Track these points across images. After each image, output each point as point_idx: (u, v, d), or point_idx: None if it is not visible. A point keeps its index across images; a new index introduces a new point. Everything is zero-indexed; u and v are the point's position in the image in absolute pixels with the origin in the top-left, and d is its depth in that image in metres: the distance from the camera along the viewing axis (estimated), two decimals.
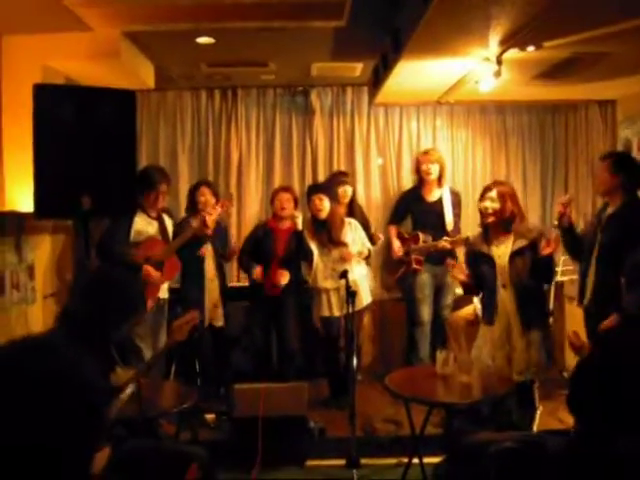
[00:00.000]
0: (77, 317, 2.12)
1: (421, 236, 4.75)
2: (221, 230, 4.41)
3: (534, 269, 3.43)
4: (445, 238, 4.53)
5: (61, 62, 3.91)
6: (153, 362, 2.78)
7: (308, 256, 4.41)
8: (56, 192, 3.13)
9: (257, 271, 4.39)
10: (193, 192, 4.43)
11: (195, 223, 4.11)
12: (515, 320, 3.46)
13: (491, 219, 3.49)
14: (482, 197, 3.55)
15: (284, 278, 4.36)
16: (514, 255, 3.45)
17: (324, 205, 4.42)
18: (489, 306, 3.56)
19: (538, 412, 3.80)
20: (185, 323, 2.58)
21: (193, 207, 4.37)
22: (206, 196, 4.35)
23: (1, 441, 0.91)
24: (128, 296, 2.22)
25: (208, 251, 4.28)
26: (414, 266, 4.73)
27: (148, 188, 3.90)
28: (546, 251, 3.35)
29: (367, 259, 4.73)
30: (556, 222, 3.61)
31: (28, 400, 0.92)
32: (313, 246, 4.43)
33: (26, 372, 0.95)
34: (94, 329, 2.10)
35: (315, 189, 4.57)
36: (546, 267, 3.45)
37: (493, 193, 3.50)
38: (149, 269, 3.82)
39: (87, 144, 3.18)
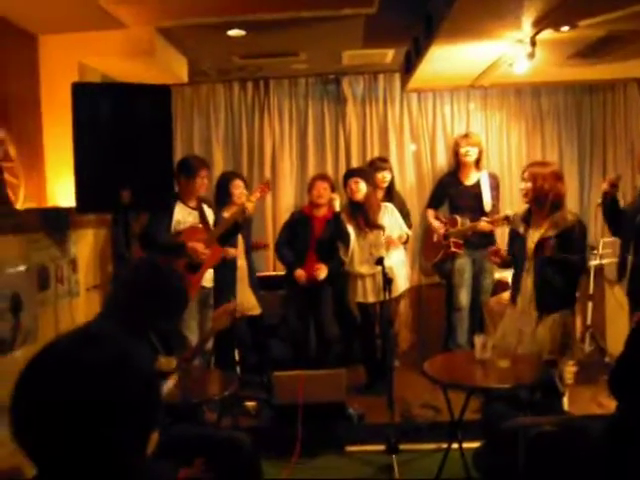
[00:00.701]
0: (124, 307, 2.16)
1: (459, 219, 4.74)
2: (246, 220, 4.46)
3: (557, 261, 3.38)
4: (484, 218, 4.49)
5: (97, 60, 3.99)
6: (197, 350, 2.84)
7: (346, 239, 4.43)
8: (96, 187, 3.21)
9: (299, 273, 4.42)
10: (226, 184, 4.49)
11: (234, 212, 4.14)
12: (532, 305, 3.46)
13: (525, 199, 3.52)
14: (521, 177, 3.59)
15: (322, 272, 4.39)
16: (540, 243, 3.42)
17: (360, 187, 4.45)
18: (515, 286, 3.59)
19: (565, 397, 3.75)
20: (224, 312, 2.63)
21: (225, 198, 4.43)
22: (240, 188, 4.43)
23: (66, 430, 0.96)
24: (175, 288, 2.23)
25: (238, 244, 4.35)
26: (453, 249, 4.71)
27: (188, 175, 3.93)
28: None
29: (405, 244, 4.74)
30: (599, 200, 3.59)
31: (89, 390, 0.97)
32: (350, 229, 4.45)
33: (86, 363, 0.99)
34: (141, 319, 2.14)
35: (351, 173, 4.61)
36: (574, 266, 3.43)
37: (526, 173, 3.52)
38: (196, 244, 3.81)
39: (125, 139, 3.25)
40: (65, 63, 3.80)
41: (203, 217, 4.06)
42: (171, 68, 4.22)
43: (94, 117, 3.22)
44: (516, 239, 3.61)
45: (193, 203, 4.03)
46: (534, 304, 3.45)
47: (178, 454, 2.17)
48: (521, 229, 3.56)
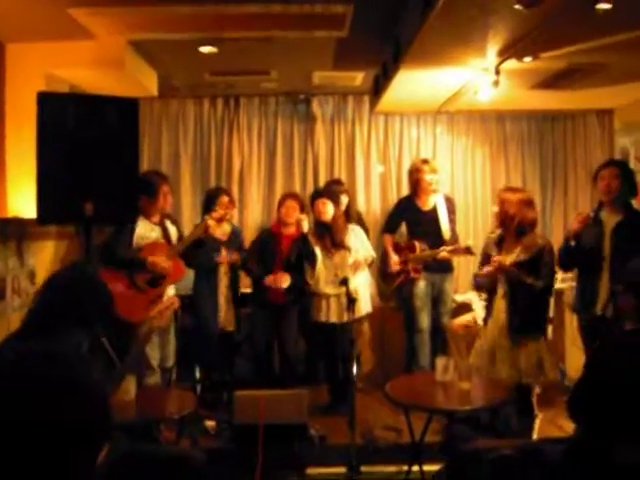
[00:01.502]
0: (51, 310, 2.09)
1: (418, 245, 4.71)
2: (236, 235, 4.51)
3: (531, 289, 3.44)
4: (444, 247, 4.53)
5: (65, 70, 3.94)
6: (137, 349, 2.77)
7: (312, 259, 4.43)
8: (59, 199, 3.16)
9: (270, 278, 4.41)
10: (213, 199, 4.46)
11: (196, 229, 4.13)
12: (506, 329, 3.50)
13: (495, 224, 3.62)
14: (495, 202, 3.72)
15: (285, 281, 4.39)
16: (511, 280, 3.48)
17: (327, 209, 4.47)
18: (489, 310, 3.64)
19: (537, 420, 3.81)
20: (165, 309, 2.58)
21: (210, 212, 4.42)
22: (225, 205, 4.41)
23: (11, 446, 0.93)
24: (101, 289, 2.20)
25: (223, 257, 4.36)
26: (412, 275, 4.72)
27: (150, 192, 3.90)
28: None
29: (370, 266, 4.76)
30: (571, 241, 3.55)
31: (36, 408, 0.94)
32: (317, 250, 4.46)
33: (33, 379, 0.96)
34: (68, 321, 2.07)
35: (319, 194, 4.63)
36: (543, 289, 3.49)
37: (497, 199, 3.62)
38: (155, 259, 3.79)
39: (90, 151, 3.21)
40: (32, 72, 3.75)
41: (166, 233, 4.02)
42: (141, 81, 4.20)
43: (59, 127, 3.17)
44: (488, 263, 3.63)
45: (156, 219, 4.00)
46: (507, 328, 3.49)
47: (128, 472, 2.11)
48: (494, 253, 3.60)
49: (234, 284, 4.53)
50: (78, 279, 2.19)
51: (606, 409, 2.10)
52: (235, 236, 4.53)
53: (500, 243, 3.62)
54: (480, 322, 3.85)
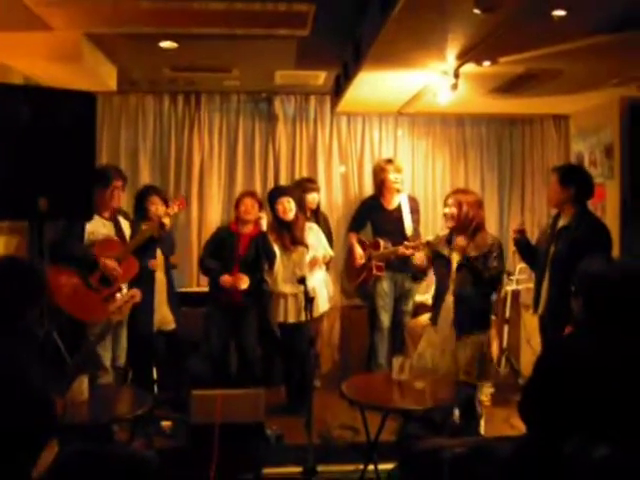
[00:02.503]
0: None
1: (382, 243, 4.82)
2: (168, 234, 4.38)
3: (478, 280, 3.56)
4: (405, 243, 4.59)
5: (20, 61, 3.85)
6: (89, 348, 2.72)
7: (272, 258, 4.41)
8: (10, 193, 3.07)
9: (226, 279, 4.36)
10: (142, 199, 4.39)
11: (150, 225, 4.06)
12: (452, 326, 3.59)
13: (450, 224, 3.69)
14: (445, 203, 3.75)
15: (244, 282, 4.36)
16: (462, 264, 3.59)
17: (291, 207, 4.46)
18: (437, 307, 3.72)
19: (482, 420, 3.88)
20: (124, 303, 2.54)
21: (142, 214, 4.33)
22: (157, 205, 4.32)
23: None
24: (31, 277, 2.16)
25: (158, 258, 4.27)
26: (375, 272, 4.79)
27: (102, 185, 3.81)
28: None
29: (327, 265, 4.78)
30: (513, 248, 3.92)
31: None
32: (275, 248, 4.44)
33: None
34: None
35: (283, 192, 4.58)
36: (490, 280, 3.61)
37: (451, 200, 3.69)
38: (107, 261, 3.73)
39: (45, 146, 3.12)
40: None
41: (118, 229, 3.95)
42: (99, 75, 4.12)
43: (12, 120, 3.07)
44: (439, 260, 3.75)
45: (108, 214, 3.92)
46: (453, 326, 3.58)
47: (78, 473, 2.07)
48: (445, 251, 3.71)
49: (169, 279, 4.42)
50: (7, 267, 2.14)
51: (553, 410, 2.15)
52: (167, 234, 4.35)
53: (450, 241, 3.72)
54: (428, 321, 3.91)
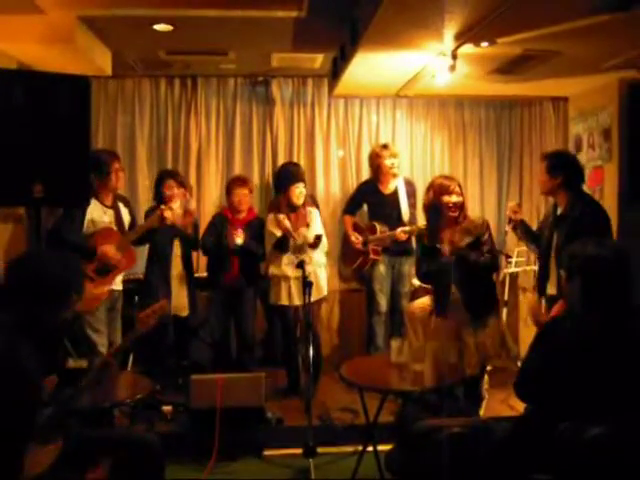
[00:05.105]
0: (8, 301, 2.04)
1: (378, 226, 4.81)
2: (193, 230, 4.51)
3: (476, 269, 3.53)
4: (401, 228, 4.59)
5: (13, 45, 3.80)
6: (119, 351, 2.72)
7: (265, 242, 4.43)
8: (6, 179, 3.06)
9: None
10: (158, 184, 4.40)
11: (152, 218, 4.06)
12: (465, 316, 3.55)
13: (455, 213, 3.61)
14: (448, 192, 3.59)
15: (239, 238, 4.39)
16: (460, 253, 3.54)
17: (304, 192, 4.49)
18: (444, 299, 3.66)
19: (484, 402, 3.91)
20: (152, 313, 2.51)
21: (160, 199, 4.34)
22: (172, 189, 4.33)
23: None
24: (58, 278, 2.12)
25: (177, 248, 4.40)
26: (372, 256, 4.79)
27: (101, 171, 3.79)
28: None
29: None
30: (507, 227, 3.78)
31: None
32: (279, 232, 4.41)
33: None
34: (25, 313, 2.02)
35: (296, 179, 4.50)
36: (489, 263, 3.59)
37: (457, 188, 3.62)
38: (106, 249, 3.71)
39: (39, 131, 3.12)
40: None
41: (118, 217, 3.94)
42: (93, 59, 4.08)
43: (6, 105, 3.07)
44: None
45: (109, 201, 3.91)
46: (466, 315, 3.54)
47: (83, 457, 2.09)
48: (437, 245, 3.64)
49: (188, 267, 4.48)
50: (35, 271, 2.11)
51: (549, 388, 2.17)
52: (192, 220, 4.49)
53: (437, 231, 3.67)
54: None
